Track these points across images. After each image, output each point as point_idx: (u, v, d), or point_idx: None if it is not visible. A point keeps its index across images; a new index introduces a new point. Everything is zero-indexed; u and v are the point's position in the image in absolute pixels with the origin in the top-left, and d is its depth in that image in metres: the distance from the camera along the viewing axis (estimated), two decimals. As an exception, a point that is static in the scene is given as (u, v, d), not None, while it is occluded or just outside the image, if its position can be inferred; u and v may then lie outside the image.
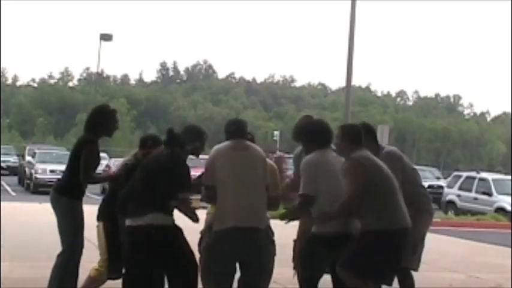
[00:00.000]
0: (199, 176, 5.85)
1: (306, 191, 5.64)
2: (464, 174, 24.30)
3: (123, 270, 5.68)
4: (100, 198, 7.80)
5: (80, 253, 6.27)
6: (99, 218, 6.25)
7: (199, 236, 6.34)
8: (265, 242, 5.64)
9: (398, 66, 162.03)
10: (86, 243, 6.36)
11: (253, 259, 5.47)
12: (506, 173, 33.33)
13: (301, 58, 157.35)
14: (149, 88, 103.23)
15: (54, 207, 6.37)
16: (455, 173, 25.44)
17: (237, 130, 5.71)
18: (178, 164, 5.51)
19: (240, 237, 5.40)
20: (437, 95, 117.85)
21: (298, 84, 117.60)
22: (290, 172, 6.97)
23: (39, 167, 26.00)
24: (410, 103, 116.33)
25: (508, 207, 20.86)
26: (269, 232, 5.95)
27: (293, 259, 6.49)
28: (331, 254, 5.57)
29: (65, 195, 6.24)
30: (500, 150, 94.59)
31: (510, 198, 21.01)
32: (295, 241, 6.54)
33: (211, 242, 5.64)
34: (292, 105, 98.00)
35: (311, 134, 5.91)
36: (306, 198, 5.64)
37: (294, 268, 6.37)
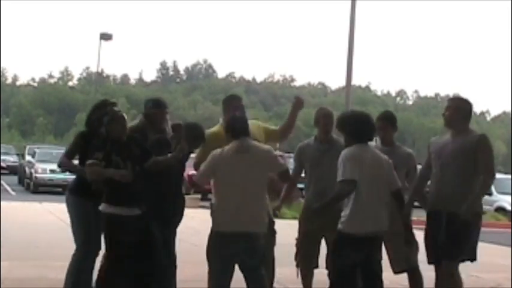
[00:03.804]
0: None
1: (348, 177, 5.45)
2: (464, 173, 24.22)
3: None
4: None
5: (95, 253, 6.21)
6: None
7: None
8: (263, 246, 5.67)
9: (398, 66, 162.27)
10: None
11: (250, 262, 5.56)
12: (506, 173, 33.29)
13: (301, 58, 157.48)
14: (149, 88, 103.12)
15: (66, 207, 6.33)
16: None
17: (240, 129, 5.67)
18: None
19: (238, 242, 5.50)
20: (437, 95, 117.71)
21: (298, 83, 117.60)
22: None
23: (39, 166, 25.96)
24: (410, 103, 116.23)
25: (508, 207, 20.85)
26: (270, 223, 6.05)
27: (295, 257, 6.58)
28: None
29: (74, 194, 6.20)
30: (500, 150, 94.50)
31: (510, 197, 21.01)
32: (297, 239, 6.60)
33: (210, 240, 5.68)
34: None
35: (352, 126, 5.69)
36: (349, 183, 5.45)
37: (297, 266, 6.54)
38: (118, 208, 5.69)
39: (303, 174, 6.77)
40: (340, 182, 5.46)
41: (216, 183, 5.63)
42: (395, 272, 6.32)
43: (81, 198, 6.12)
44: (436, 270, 6.00)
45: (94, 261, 6.23)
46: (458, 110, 6.01)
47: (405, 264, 6.30)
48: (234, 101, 6.59)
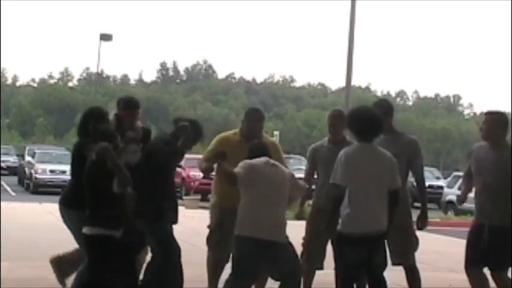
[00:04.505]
0: None
1: (337, 181, 5.51)
2: (464, 174, 24.23)
3: None
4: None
5: None
6: None
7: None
8: (289, 256, 5.80)
9: (398, 66, 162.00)
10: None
11: (274, 269, 5.73)
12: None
13: (301, 58, 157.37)
14: (149, 88, 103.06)
15: (65, 221, 6.12)
16: (455, 173, 25.38)
17: (264, 152, 5.86)
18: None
19: (260, 250, 5.55)
20: (437, 95, 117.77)
21: (298, 84, 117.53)
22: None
23: (39, 167, 26.00)
24: (410, 103, 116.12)
25: (508, 207, 20.83)
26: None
27: (300, 256, 6.58)
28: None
29: (73, 208, 5.92)
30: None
31: (510, 198, 20.99)
32: (304, 238, 6.61)
33: (234, 244, 5.73)
34: (292, 106, 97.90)
35: (355, 124, 5.68)
36: (336, 188, 5.51)
37: (302, 265, 6.51)
38: (101, 229, 5.48)
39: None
40: (330, 184, 5.56)
41: (248, 190, 5.68)
42: (393, 263, 6.34)
43: (77, 210, 5.79)
44: (468, 273, 6.23)
45: None
46: (496, 123, 6.16)
47: (401, 258, 6.31)
48: (254, 114, 6.72)
